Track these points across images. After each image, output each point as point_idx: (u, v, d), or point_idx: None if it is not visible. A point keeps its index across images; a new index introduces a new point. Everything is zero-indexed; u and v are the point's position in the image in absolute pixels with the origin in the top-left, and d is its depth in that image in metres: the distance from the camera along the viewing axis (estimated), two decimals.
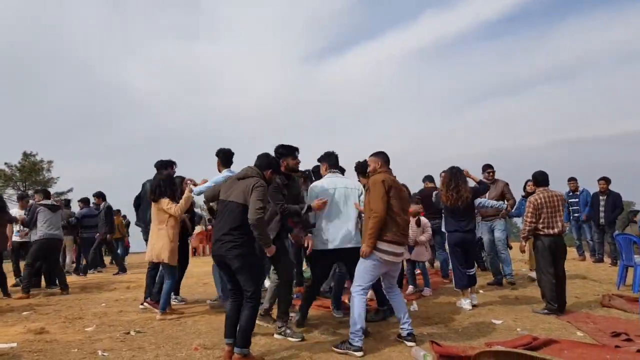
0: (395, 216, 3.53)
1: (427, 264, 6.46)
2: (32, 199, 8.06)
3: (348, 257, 3.97)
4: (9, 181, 29.67)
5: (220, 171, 4.84)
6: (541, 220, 4.67)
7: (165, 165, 5.39)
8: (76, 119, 74.06)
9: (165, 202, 4.69)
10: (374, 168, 3.77)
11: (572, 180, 8.99)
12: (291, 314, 4.11)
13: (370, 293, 4.48)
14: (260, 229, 3.17)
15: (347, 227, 4.01)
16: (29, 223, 6.66)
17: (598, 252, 8.64)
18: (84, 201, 9.67)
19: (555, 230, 4.66)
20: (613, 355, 3.20)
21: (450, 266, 5.37)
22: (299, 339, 3.75)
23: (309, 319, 4.34)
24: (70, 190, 29.78)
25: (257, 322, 3.54)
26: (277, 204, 3.89)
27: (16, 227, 7.46)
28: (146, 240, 5.09)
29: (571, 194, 8.80)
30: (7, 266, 8.60)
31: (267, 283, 4.87)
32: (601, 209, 8.25)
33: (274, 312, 4.11)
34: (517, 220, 7.84)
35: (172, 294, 5.31)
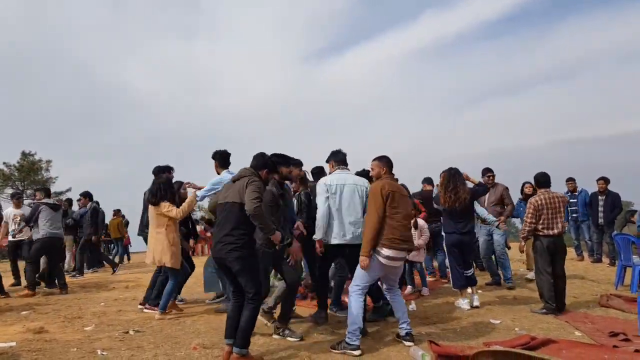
0: (396, 222, 3.51)
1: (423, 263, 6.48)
2: (31, 198, 8.04)
3: (353, 254, 3.93)
4: (8, 181, 29.66)
5: (218, 173, 4.84)
6: (541, 221, 4.69)
7: (163, 170, 5.38)
8: (75, 118, 74.16)
9: (165, 206, 4.70)
10: (378, 173, 3.74)
11: (570, 180, 9.00)
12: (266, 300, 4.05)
13: None
14: (260, 218, 3.15)
15: (356, 223, 4.01)
16: (30, 220, 6.66)
17: (596, 252, 8.66)
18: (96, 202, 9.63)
19: (555, 231, 4.67)
20: (611, 355, 3.21)
21: (448, 266, 5.38)
22: (298, 339, 3.75)
23: (307, 319, 4.35)
24: (68, 190, 29.80)
25: (258, 316, 3.51)
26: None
27: (12, 227, 7.45)
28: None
29: (569, 194, 8.81)
30: (5, 266, 8.61)
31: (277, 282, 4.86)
32: (600, 209, 8.27)
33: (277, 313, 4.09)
34: (516, 221, 7.84)
35: None
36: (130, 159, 74.36)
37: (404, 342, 3.58)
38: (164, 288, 4.80)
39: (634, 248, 5.92)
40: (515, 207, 6.78)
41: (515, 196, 6.92)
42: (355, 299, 3.54)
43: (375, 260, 3.51)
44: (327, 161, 4.38)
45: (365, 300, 3.79)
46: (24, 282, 7.40)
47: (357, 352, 3.35)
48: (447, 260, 6.05)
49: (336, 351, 3.42)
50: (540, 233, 4.72)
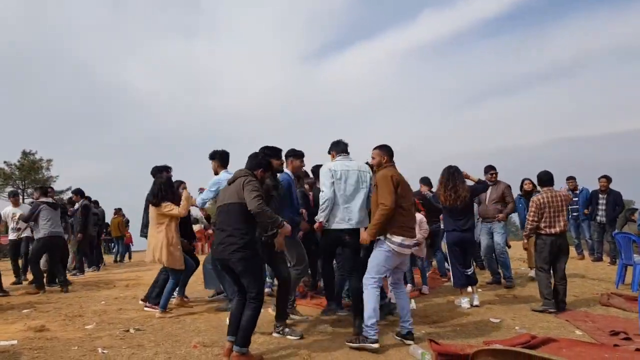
0: (403, 211, 3.59)
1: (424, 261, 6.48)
2: (32, 197, 8.04)
3: (353, 238, 3.94)
4: (9, 180, 29.69)
5: (217, 173, 4.84)
6: (543, 220, 4.71)
7: (161, 170, 5.38)
8: (76, 118, 74.00)
9: (166, 206, 4.71)
10: (379, 162, 3.80)
11: (570, 179, 9.00)
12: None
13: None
14: (264, 215, 3.17)
15: (360, 208, 4.02)
16: (29, 219, 6.66)
17: (597, 250, 8.65)
18: (86, 199, 9.62)
19: (557, 229, 4.68)
20: (611, 354, 3.21)
21: (449, 265, 5.38)
22: (298, 337, 3.76)
23: (306, 318, 4.36)
24: (68, 189, 29.78)
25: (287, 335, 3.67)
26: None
27: (11, 225, 7.46)
28: None
29: (570, 192, 8.80)
30: (6, 264, 8.62)
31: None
32: (601, 207, 8.26)
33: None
34: (514, 217, 7.83)
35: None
36: (130, 159, 74.38)
37: (405, 340, 3.59)
38: (165, 286, 4.81)
39: (635, 247, 5.91)
40: (515, 202, 6.79)
41: (515, 193, 6.92)
42: (371, 292, 3.53)
43: (389, 249, 3.54)
44: (329, 152, 4.38)
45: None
46: (25, 281, 7.44)
47: (376, 345, 3.35)
48: (446, 263, 6.07)
49: (353, 345, 3.41)
50: (542, 231, 4.73)
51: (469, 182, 5.28)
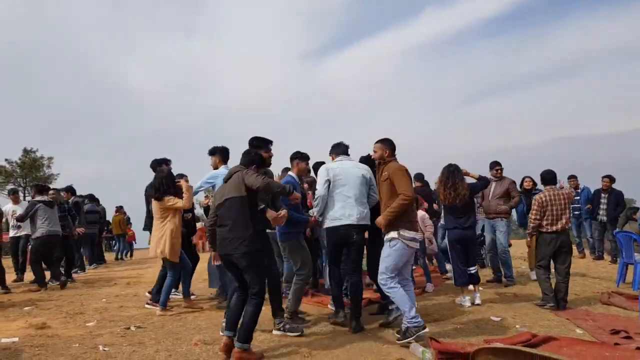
0: (411, 205, 3.71)
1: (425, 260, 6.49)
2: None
3: (359, 235, 3.99)
4: (10, 177, 29.77)
5: (217, 168, 4.84)
6: (545, 218, 4.73)
7: (160, 163, 5.37)
8: (76, 117, 74.23)
9: (169, 200, 4.71)
10: (381, 155, 3.83)
11: (572, 178, 9.00)
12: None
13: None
14: (270, 187, 3.25)
15: (363, 204, 4.06)
16: (24, 218, 6.66)
17: (598, 249, 8.65)
18: (88, 197, 9.63)
19: (559, 226, 4.69)
20: (612, 353, 3.21)
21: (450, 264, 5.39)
22: (298, 334, 3.77)
23: (305, 317, 4.35)
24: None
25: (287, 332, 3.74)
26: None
27: (11, 222, 7.46)
28: None
29: (572, 190, 8.80)
30: (7, 262, 8.63)
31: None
32: (603, 206, 8.26)
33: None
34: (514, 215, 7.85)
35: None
36: (130, 158, 74.51)
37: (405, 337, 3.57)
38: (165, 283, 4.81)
39: (636, 245, 5.91)
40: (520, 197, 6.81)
41: None
42: (392, 291, 3.58)
43: (401, 245, 3.58)
44: (330, 154, 4.41)
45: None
46: (24, 280, 7.44)
47: (425, 330, 3.43)
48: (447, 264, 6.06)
49: (404, 342, 3.42)
50: (544, 229, 4.75)
51: (471, 180, 5.28)
